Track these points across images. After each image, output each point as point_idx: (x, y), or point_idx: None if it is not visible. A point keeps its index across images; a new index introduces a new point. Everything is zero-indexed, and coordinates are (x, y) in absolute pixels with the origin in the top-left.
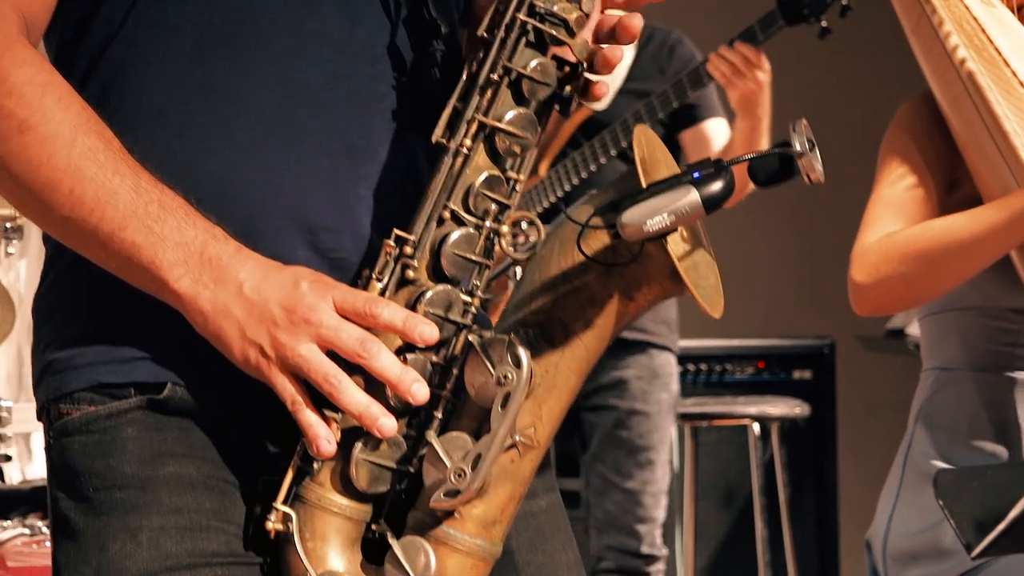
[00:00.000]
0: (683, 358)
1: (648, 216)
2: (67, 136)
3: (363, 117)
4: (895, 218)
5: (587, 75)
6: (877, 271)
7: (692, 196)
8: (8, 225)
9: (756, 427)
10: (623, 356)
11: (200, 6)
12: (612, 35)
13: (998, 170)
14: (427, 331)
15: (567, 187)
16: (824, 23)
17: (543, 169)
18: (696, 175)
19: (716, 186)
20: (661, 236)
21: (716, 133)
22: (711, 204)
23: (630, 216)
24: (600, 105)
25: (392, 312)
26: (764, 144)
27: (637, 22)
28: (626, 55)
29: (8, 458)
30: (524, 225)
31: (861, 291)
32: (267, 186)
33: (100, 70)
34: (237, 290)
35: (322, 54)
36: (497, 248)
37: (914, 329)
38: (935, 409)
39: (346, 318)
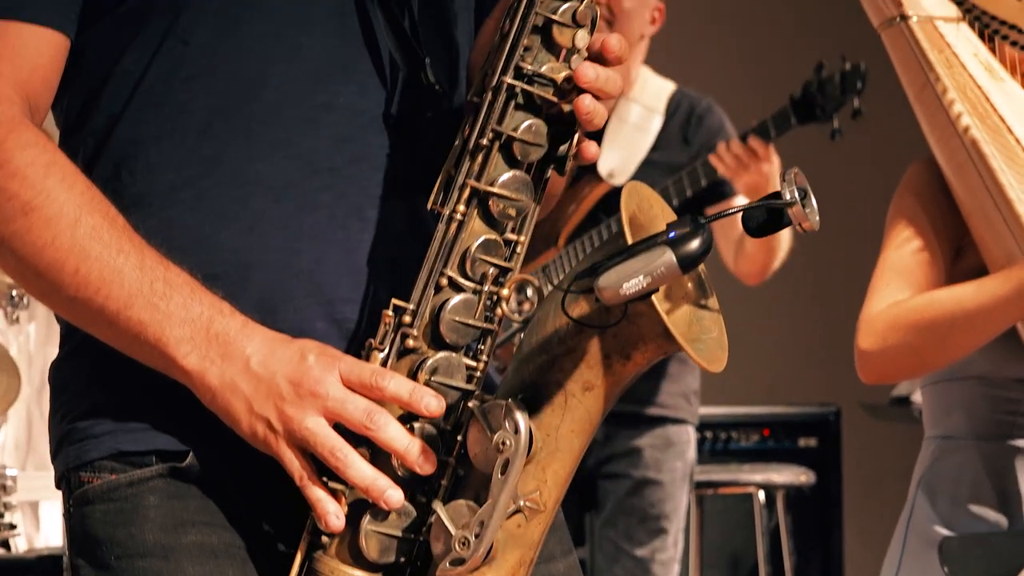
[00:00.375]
0: None
1: (624, 279)
2: (71, 216)
3: (374, 186)
4: (902, 284)
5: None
6: (884, 340)
7: (667, 257)
8: (14, 293)
9: (761, 495)
10: (640, 427)
11: (207, 81)
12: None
13: (1002, 238)
14: (433, 403)
15: None
16: (836, 124)
17: (562, 242)
18: (672, 235)
19: (692, 245)
20: (641, 298)
21: None
22: (687, 264)
23: (607, 280)
24: (622, 178)
25: (398, 384)
26: (787, 232)
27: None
28: (654, 125)
29: (13, 527)
30: (529, 291)
31: (867, 359)
32: (284, 259)
33: (110, 148)
34: (244, 365)
35: (331, 125)
36: (499, 312)
37: (919, 396)
38: (937, 477)
39: (353, 390)
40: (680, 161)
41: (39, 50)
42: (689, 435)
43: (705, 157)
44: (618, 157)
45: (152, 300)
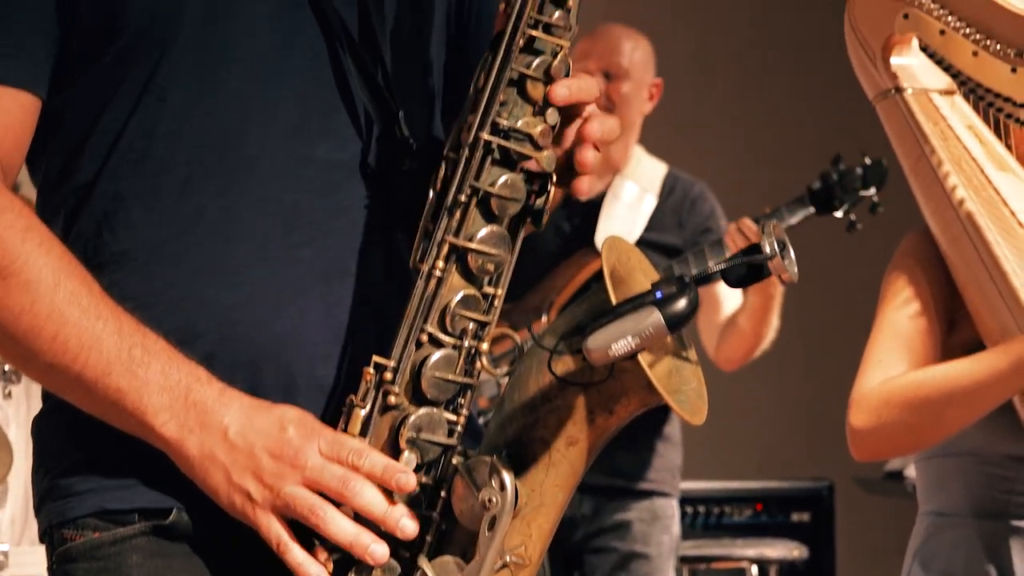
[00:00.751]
0: (681, 500)
1: (612, 340)
2: (49, 281)
3: (354, 239)
4: (897, 356)
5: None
6: (877, 417)
7: (655, 317)
8: (6, 368)
9: (755, 569)
10: (626, 501)
11: (186, 137)
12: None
13: (998, 311)
14: (403, 479)
15: None
16: (853, 216)
17: (553, 314)
18: (660, 295)
19: (679, 305)
20: (627, 358)
21: (728, 299)
22: (675, 324)
23: (595, 341)
24: None
25: (372, 463)
26: (774, 321)
27: (590, 158)
28: (647, 205)
29: None
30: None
31: (860, 437)
32: (267, 315)
33: (91, 205)
34: (222, 435)
35: (311, 178)
36: (478, 366)
37: (913, 471)
38: (931, 553)
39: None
40: (675, 243)
41: (8, 111)
42: (674, 509)
43: (716, 240)
44: (615, 232)
45: (131, 367)
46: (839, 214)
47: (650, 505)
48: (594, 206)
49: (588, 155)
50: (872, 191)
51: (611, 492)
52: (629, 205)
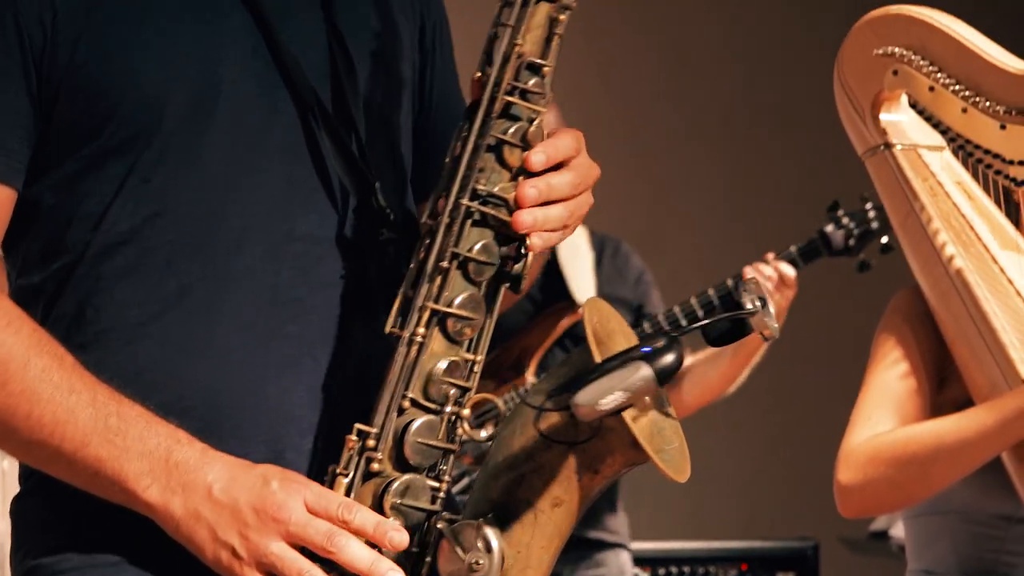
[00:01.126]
0: (665, 560)
1: (601, 395)
2: (20, 360)
3: (337, 312)
4: (886, 413)
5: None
6: (864, 474)
7: (644, 371)
8: None
9: None
10: (602, 555)
11: (169, 218)
12: None
13: (986, 367)
14: (397, 538)
15: None
16: (863, 256)
17: (530, 374)
18: (647, 350)
19: (667, 359)
20: (615, 413)
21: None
22: (664, 377)
23: (584, 397)
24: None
25: (364, 518)
26: (744, 376)
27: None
28: (590, 260)
29: None
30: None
31: (847, 493)
32: (254, 391)
33: (73, 287)
34: (206, 493)
35: (293, 254)
36: (461, 432)
37: (898, 531)
38: None
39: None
40: (626, 296)
41: None
42: (630, 566)
43: (739, 276)
44: (586, 286)
45: (108, 436)
46: (860, 256)
47: (616, 560)
48: (550, 262)
49: (535, 242)
50: (884, 233)
51: (587, 544)
52: (580, 259)
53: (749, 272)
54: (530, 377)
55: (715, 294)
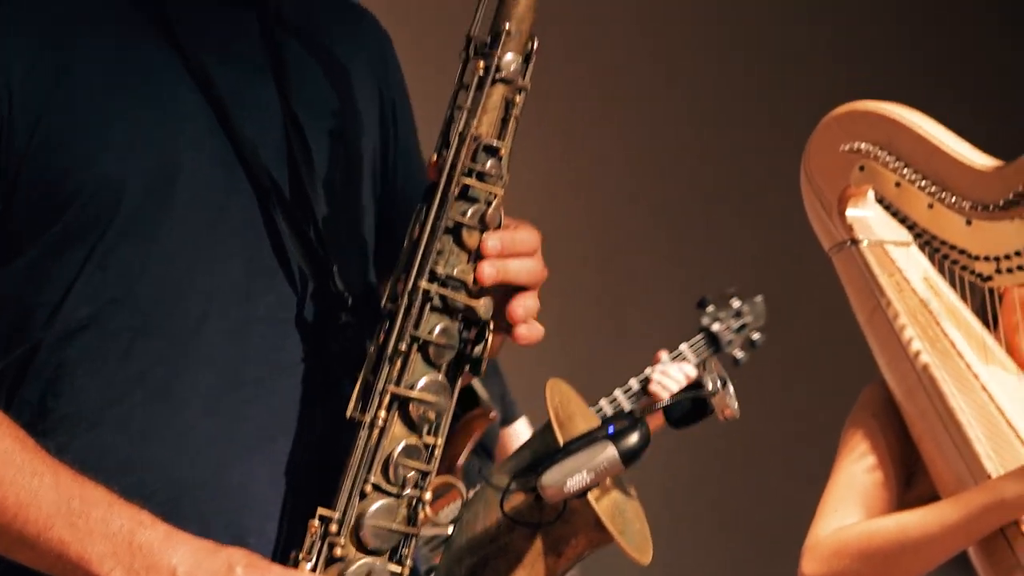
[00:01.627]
0: None
1: (567, 476)
2: None
3: (298, 395)
4: (852, 506)
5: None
6: (829, 566)
7: (610, 452)
8: None
9: None
10: None
11: (128, 303)
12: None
13: (952, 463)
14: None
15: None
16: (739, 354)
17: (458, 469)
18: (611, 430)
19: (632, 439)
20: (581, 494)
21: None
22: (629, 458)
23: (550, 478)
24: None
25: None
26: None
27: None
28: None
29: None
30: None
31: None
32: (216, 475)
33: (34, 375)
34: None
35: (253, 337)
36: (422, 516)
37: None
38: None
39: None
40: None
41: None
42: None
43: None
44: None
45: (71, 519)
46: (739, 353)
47: None
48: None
49: (518, 309)
50: (757, 326)
51: None
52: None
53: (654, 377)
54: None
55: (637, 384)
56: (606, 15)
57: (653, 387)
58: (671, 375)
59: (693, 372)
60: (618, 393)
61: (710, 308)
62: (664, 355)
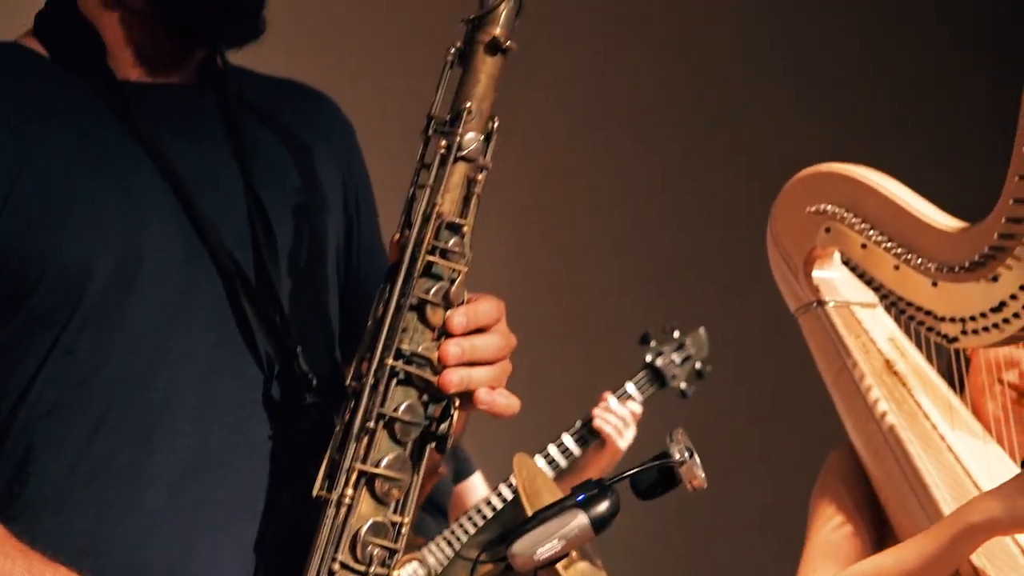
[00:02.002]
0: None
1: (538, 544)
2: None
3: (264, 476)
4: (827, 561)
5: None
6: None
7: (580, 519)
8: None
9: None
10: None
11: (96, 385)
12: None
13: (919, 524)
14: None
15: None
16: (683, 385)
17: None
18: (581, 498)
19: (602, 507)
20: (552, 563)
21: (480, 486)
22: (599, 524)
23: (520, 546)
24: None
25: None
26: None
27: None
28: None
29: None
30: (414, 566)
31: None
32: (182, 557)
33: (3, 459)
34: None
35: (220, 418)
36: None
37: None
38: None
39: None
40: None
41: None
42: None
43: (580, 426)
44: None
45: None
46: (683, 385)
47: None
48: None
49: (481, 394)
50: (701, 357)
51: None
52: None
53: (598, 415)
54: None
55: (573, 437)
56: (571, 78)
57: (596, 423)
58: (613, 410)
59: (638, 408)
60: (564, 436)
61: (652, 343)
62: (609, 396)
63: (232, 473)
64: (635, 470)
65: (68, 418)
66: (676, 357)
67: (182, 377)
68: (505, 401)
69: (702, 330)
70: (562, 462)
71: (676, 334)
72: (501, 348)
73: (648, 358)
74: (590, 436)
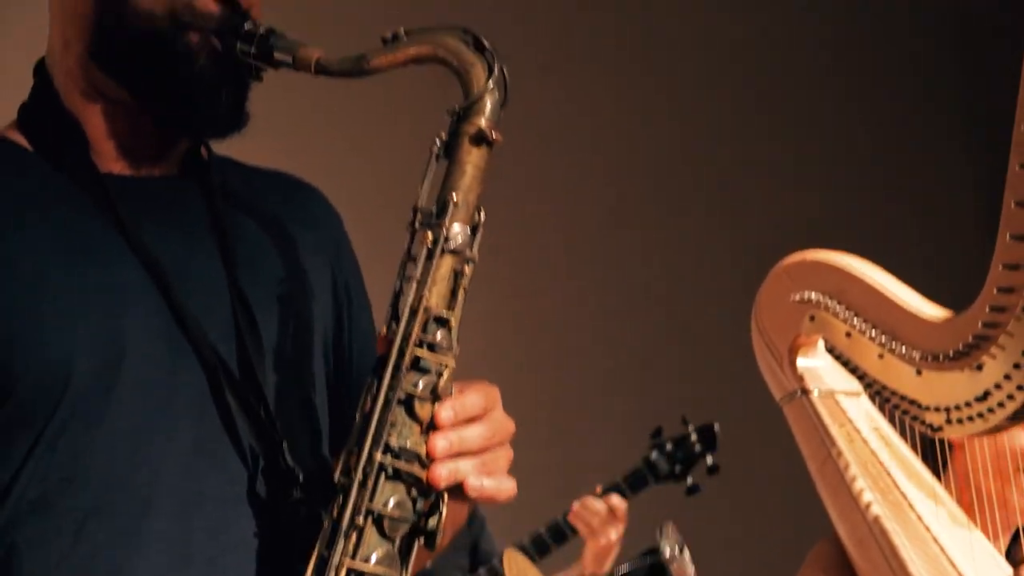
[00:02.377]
0: None
1: None
2: None
3: (249, 573)
4: None
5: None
6: None
7: None
8: None
9: None
10: None
11: (78, 483)
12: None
13: None
14: None
15: None
16: (690, 480)
17: None
18: None
19: None
20: None
21: None
22: None
23: None
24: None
25: None
26: None
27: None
28: None
29: None
30: None
31: None
32: None
33: None
34: None
35: (204, 515)
36: None
37: None
38: None
39: None
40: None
41: None
42: None
43: (555, 522)
44: None
45: None
46: (688, 480)
47: None
48: None
49: (472, 482)
50: (708, 455)
51: None
52: None
53: (574, 510)
54: None
55: (547, 532)
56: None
57: (572, 517)
58: (589, 506)
59: (619, 502)
60: (541, 528)
61: (662, 437)
62: (600, 489)
63: (216, 571)
64: (625, 569)
65: (51, 517)
66: (678, 453)
67: (163, 474)
68: (495, 484)
69: (716, 426)
70: (535, 555)
71: (690, 427)
72: (491, 437)
73: (646, 453)
74: (568, 530)
